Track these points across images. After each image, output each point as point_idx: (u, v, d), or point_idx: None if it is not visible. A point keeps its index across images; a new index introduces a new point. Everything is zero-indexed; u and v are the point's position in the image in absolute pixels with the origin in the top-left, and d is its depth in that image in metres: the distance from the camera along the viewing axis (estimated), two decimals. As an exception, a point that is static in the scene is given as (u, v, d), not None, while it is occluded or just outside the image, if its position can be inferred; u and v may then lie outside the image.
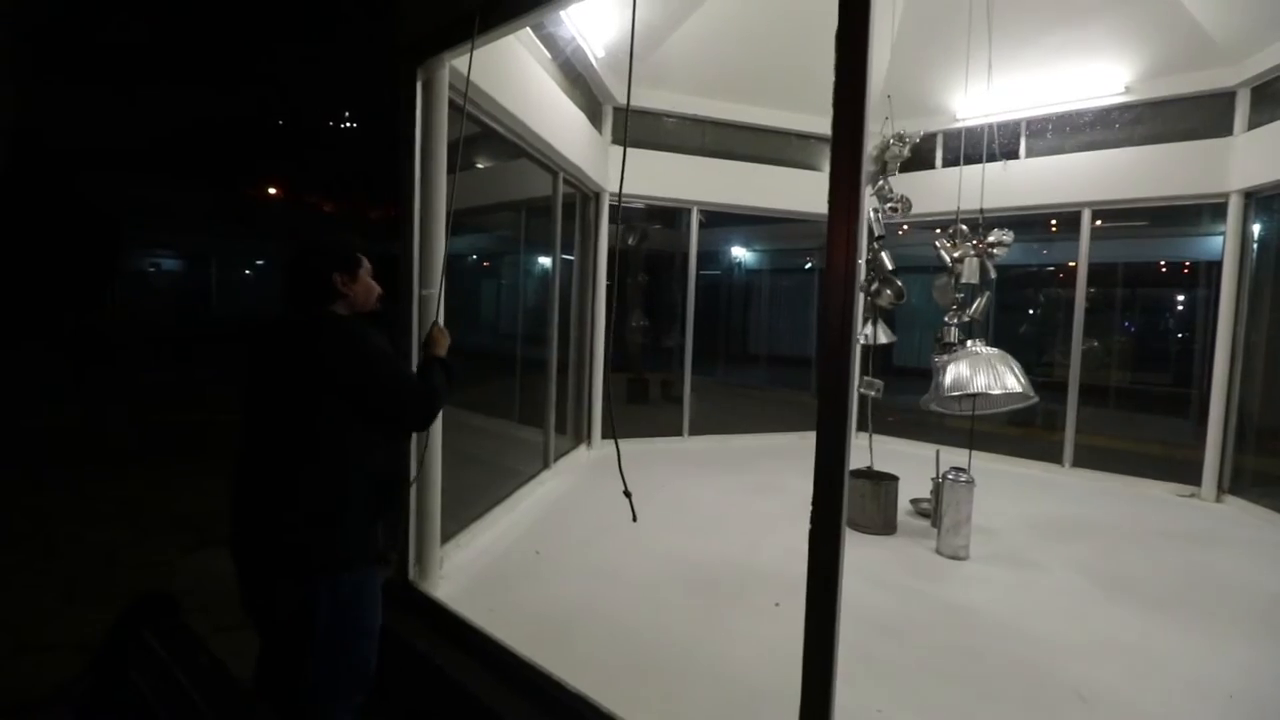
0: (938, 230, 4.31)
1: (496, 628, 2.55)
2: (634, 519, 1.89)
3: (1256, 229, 5.09)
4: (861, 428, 4.78)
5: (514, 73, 3.61)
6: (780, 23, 5.46)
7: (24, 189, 17.28)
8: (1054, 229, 6.95)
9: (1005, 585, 3.41)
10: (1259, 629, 3.01)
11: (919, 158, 4.97)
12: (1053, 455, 5.89)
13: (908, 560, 3.70)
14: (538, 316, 5.20)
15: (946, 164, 6.37)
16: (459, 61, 2.66)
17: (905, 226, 4.51)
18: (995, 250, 4.10)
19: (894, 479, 4.19)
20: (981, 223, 4.20)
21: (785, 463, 5.64)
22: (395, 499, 1.92)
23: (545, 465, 4.96)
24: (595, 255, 5.90)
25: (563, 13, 4.07)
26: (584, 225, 5.83)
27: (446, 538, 3.19)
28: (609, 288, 5.97)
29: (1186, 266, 9.13)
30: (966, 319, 4.17)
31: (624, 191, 5.83)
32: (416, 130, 2.78)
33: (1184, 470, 5.29)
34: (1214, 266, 5.32)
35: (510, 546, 3.62)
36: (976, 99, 5.68)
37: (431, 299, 2.68)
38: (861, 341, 4.39)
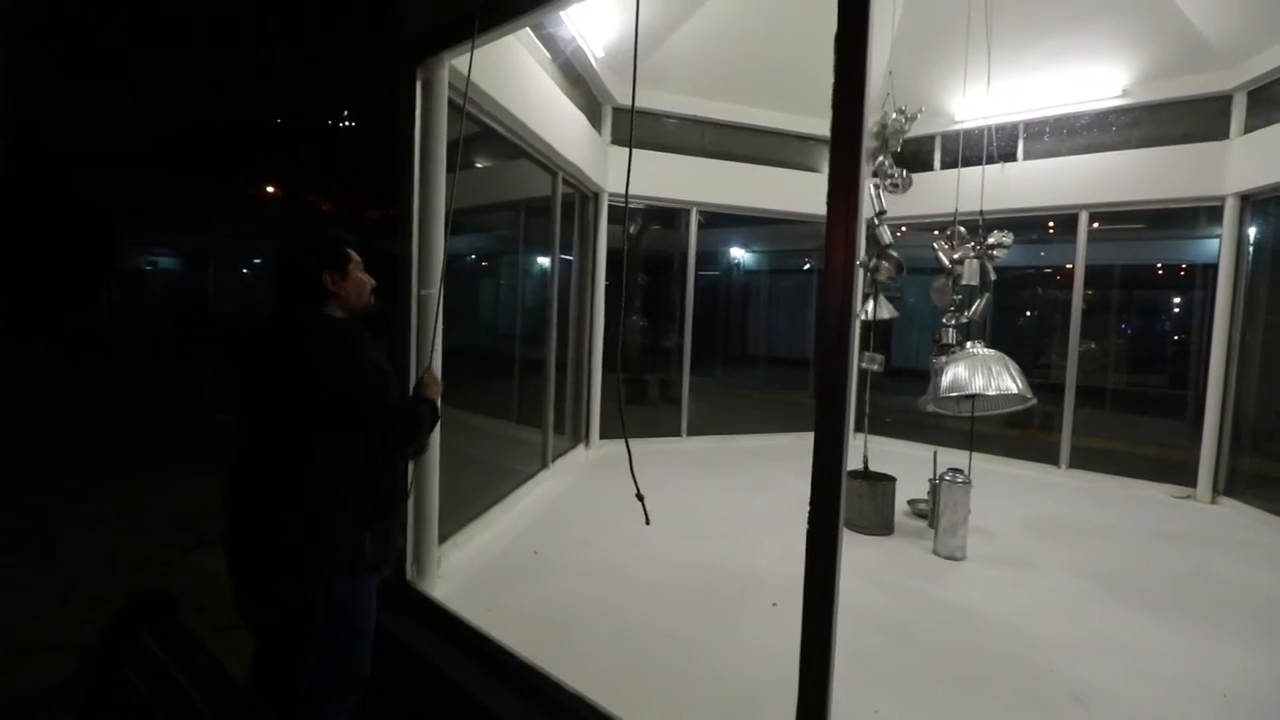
0: (936, 232, 4.33)
1: (494, 627, 2.55)
2: (647, 522, 1.87)
3: (1252, 232, 5.12)
4: (857, 429, 4.79)
5: (514, 73, 3.62)
6: (780, 24, 5.47)
7: (22, 187, 17.24)
8: (1051, 231, 6.97)
9: (1002, 586, 3.42)
10: (1254, 629, 3.03)
11: (917, 159, 4.99)
12: (1049, 456, 5.91)
13: (905, 561, 3.71)
14: (536, 316, 5.20)
15: (945, 166, 6.39)
16: (459, 61, 2.67)
17: (904, 229, 4.51)
18: (995, 252, 4.12)
19: (891, 480, 4.20)
20: (981, 224, 4.21)
21: (783, 463, 5.65)
22: (387, 508, 1.85)
23: (543, 465, 4.96)
24: (594, 255, 5.90)
25: (562, 13, 4.07)
26: (583, 225, 5.83)
27: (444, 537, 3.19)
28: (608, 288, 5.99)
29: (1183, 269, 9.16)
30: (965, 320, 4.18)
31: (623, 192, 5.85)
32: (416, 130, 2.78)
33: (1180, 472, 5.31)
34: (1210, 269, 5.34)
35: (508, 546, 3.62)
36: (975, 101, 5.69)
37: (430, 299, 2.68)
38: (862, 318, 4.42)
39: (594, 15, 4.52)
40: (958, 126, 6.15)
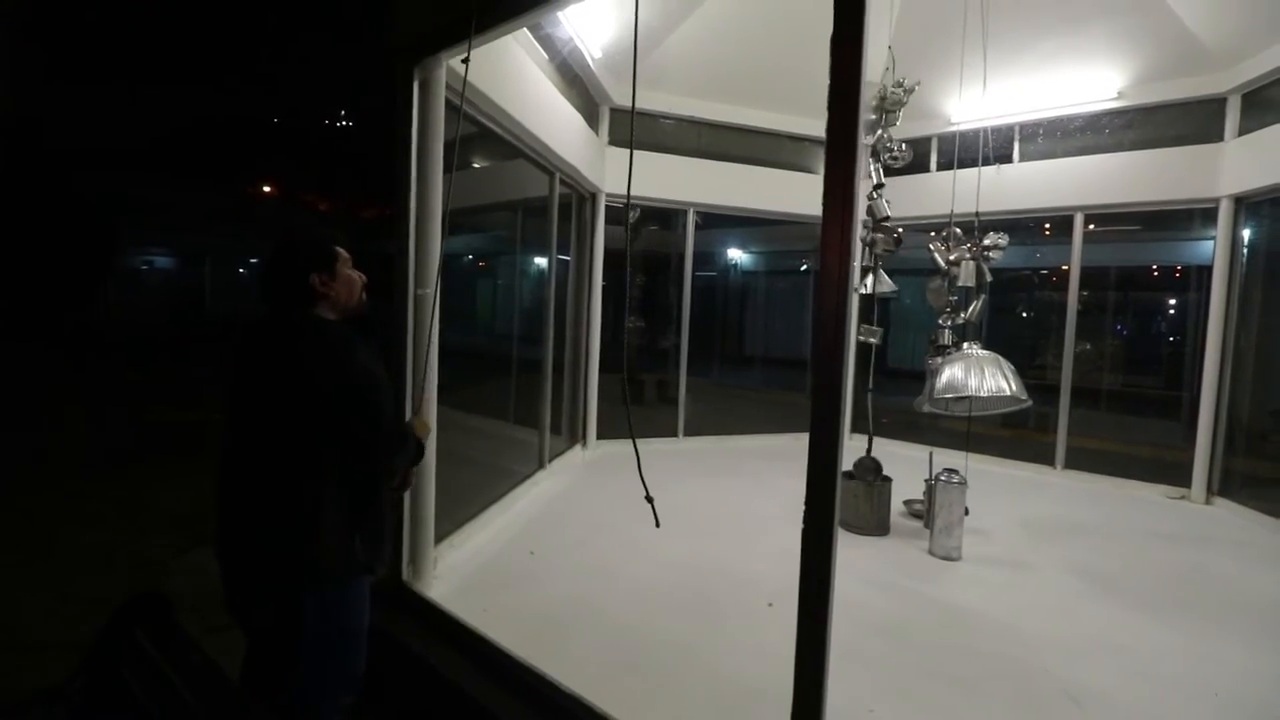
0: (932, 234, 4.34)
1: (490, 628, 2.55)
2: (657, 524, 1.86)
3: (1246, 234, 5.14)
4: (859, 429, 4.80)
5: (511, 73, 3.62)
6: (777, 25, 5.48)
7: (18, 187, 17.18)
8: (1047, 233, 6.99)
9: (997, 586, 3.43)
10: (1247, 629, 3.04)
11: (913, 162, 4.99)
12: (1045, 457, 5.93)
13: (901, 561, 3.72)
14: (533, 317, 5.20)
15: (941, 168, 6.41)
16: (456, 61, 2.67)
17: (901, 230, 4.52)
18: (990, 253, 4.14)
19: (887, 480, 4.21)
20: (977, 226, 4.22)
21: (779, 464, 5.65)
22: (377, 510, 1.83)
23: (540, 465, 4.96)
24: (591, 256, 5.91)
25: (560, 14, 4.08)
26: (580, 226, 5.83)
27: (440, 538, 3.19)
28: (606, 288, 5.99)
29: (1178, 270, 9.19)
30: (961, 321, 4.20)
31: (620, 192, 5.85)
32: (413, 129, 2.78)
33: (1174, 472, 5.34)
34: (1205, 271, 5.37)
35: (504, 547, 3.62)
36: (971, 103, 5.71)
37: (426, 299, 2.68)
38: (862, 291, 4.44)
39: (591, 16, 4.52)
40: (954, 128, 6.17)
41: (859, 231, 4.89)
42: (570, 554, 3.57)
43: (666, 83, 5.85)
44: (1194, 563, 3.89)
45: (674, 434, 6.50)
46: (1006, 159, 6.05)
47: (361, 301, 1.88)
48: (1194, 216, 5.82)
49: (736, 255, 14.22)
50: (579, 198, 5.73)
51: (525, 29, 3.76)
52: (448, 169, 2.86)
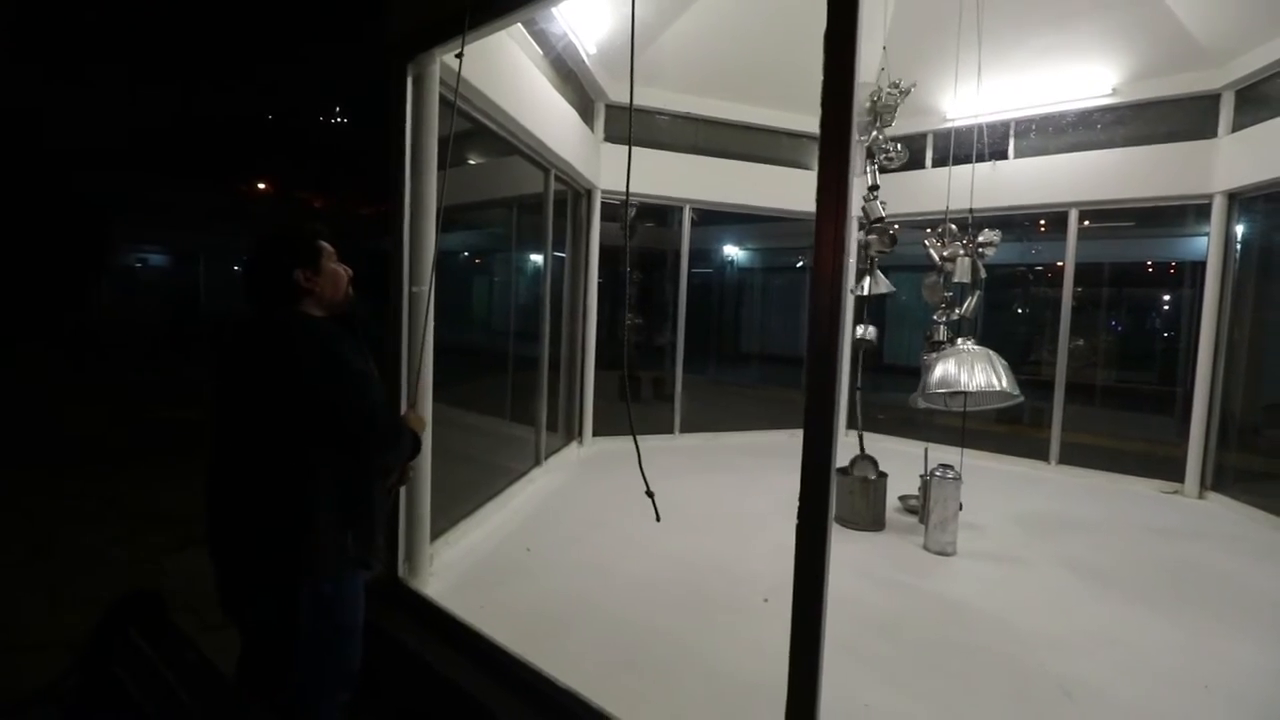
0: (928, 230, 4.35)
1: (486, 624, 2.55)
2: (657, 518, 1.87)
3: (1240, 230, 5.16)
4: (852, 425, 4.81)
5: (506, 69, 3.61)
6: (773, 21, 5.47)
7: (14, 185, 17.07)
8: (1042, 229, 7.01)
9: (992, 580, 3.45)
10: (1240, 623, 3.06)
11: (909, 159, 4.99)
12: (1039, 452, 5.95)
13: (895, 556, 3.74)
14: (529, 314, 5.19)
15: (936, 164, 6.41)
16: (450, 57, 2.66)
17: (896, 226, 4.52)
18: (984, 250, 4.14)
19: (883, 475, 4.22)
20: (971, 222, 4.23)
21: (776, 460, 5.65)
22: (369, 506, 1.81)
23: (536, 463, 4.96)
24: (587, 253, 5.90)
25: (554, 9, 4.06)
26: (575, 223, 5.82)
27: (436, 535, 3.19)
28: (603, 285, 5.98)
29: (1172, 266, 9.23)
30: (957, 317, 4.21)
31: (616, 188, 5.84)
32: (407, 126, 2.77)
33: (1168, 467, 5.37)
34: (1199, 267, 5.39)
35: (501, 544, 3.62)
36: (966, 100, 5.72)
37: (421, 296, 2.68)
38: (858, 293, 4.46)
39: (586, 12, 4.51)
40: (949, 124, 6.17)
41: (853, 228, 4.91)
42: (566, 550, 3.58)
43: (662, 79, 5.84)
44: (1187, 557, 3.91)
45: (670, 430, 6.50)
46: (1002, 155, 6.06)
47: (348, 296, 1.86)
48: (1188, 212, 5.84)
49: (733, 252, 14.22)
50: (574, 194, 5.72)
51: (520, 24, 3.74)
52: (442, 165, 2.84)
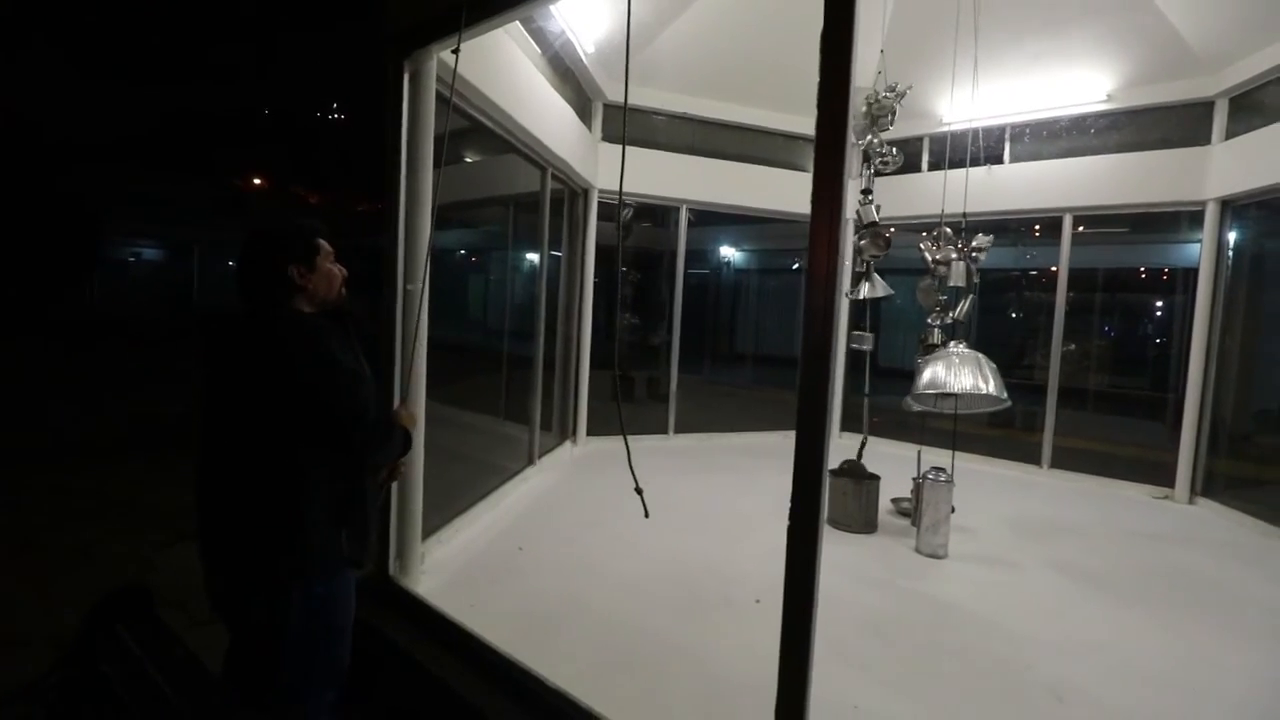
0: (924, 233, 4.36)
1: (477, 624, 2.54)
2: (646, 515, 1.86)
3: (1232, 236, 5.19)
4: (849, 429, 4.83)
5: (502, 66, 3.60)
6: (770, 23, 5.47)
7: (7, 180, 16.97)
8: (1037, 234, 7.03)
9: (983, 583, 3.46)
10: (1228, 627, 3.08)
11: (904, 162, 5.01)
12: (1031, 456, 5.98)
13: (887, 558, 3.74)
14: (525, 312, 5.18)
15: (931, 168, 6.43)
16: (447, 54, 2.65)
17: (892, 229, 4.54)
18: (976, 254, 4.16)
19: (875, 478, 4.23)
20: (964, 226, 4.25)
21: (770, 461, 5.65)
22: (361, 504, 1.79)
23: (530, 462, 4.95)
24: (583, 252, 5.89)
25: (552, 7, 4.05)
26: (572, 221, 5.81)
27: (428, 533, 3.17)
28: (598, 285, 5.98)
29: (1165, 273, 9.28)
30: (951, 321, 4.22)
31: (613, 188, 5.83)
32: (403, 122, 2.76)
33: (1158, 472, 5.39)
34: (1191, 273, 5.42)
35: (493, 543, 3.61)
36: (962, 104, 5.73)
37: (415, 293, 2.67)
38: (853, 297, 4.48)
39: (584, 10, 4.50)
40: (945, 128, 6.19)
41: (848, 231, 4.92)
42: (558, 550, 3.57)
43: (659, 79, 5.83)
44: (1177, 562, 3.93)
45: (665, 431, 6.50)
46: (998, 160, 6.08)
47: (341, 296, 1.84)
48: (1181, 219, 5.88)
49: (729, 253, 14.24)
50: (571, 193, 5.72)
51: (518, 22, 3.73)
52: (438, 163, 2.84)
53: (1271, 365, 5.34)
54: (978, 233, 4.25)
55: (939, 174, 5.42)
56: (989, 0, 4.50)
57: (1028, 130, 5.96)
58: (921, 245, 4.29)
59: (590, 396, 6.01)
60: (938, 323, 4.25)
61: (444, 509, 3.56)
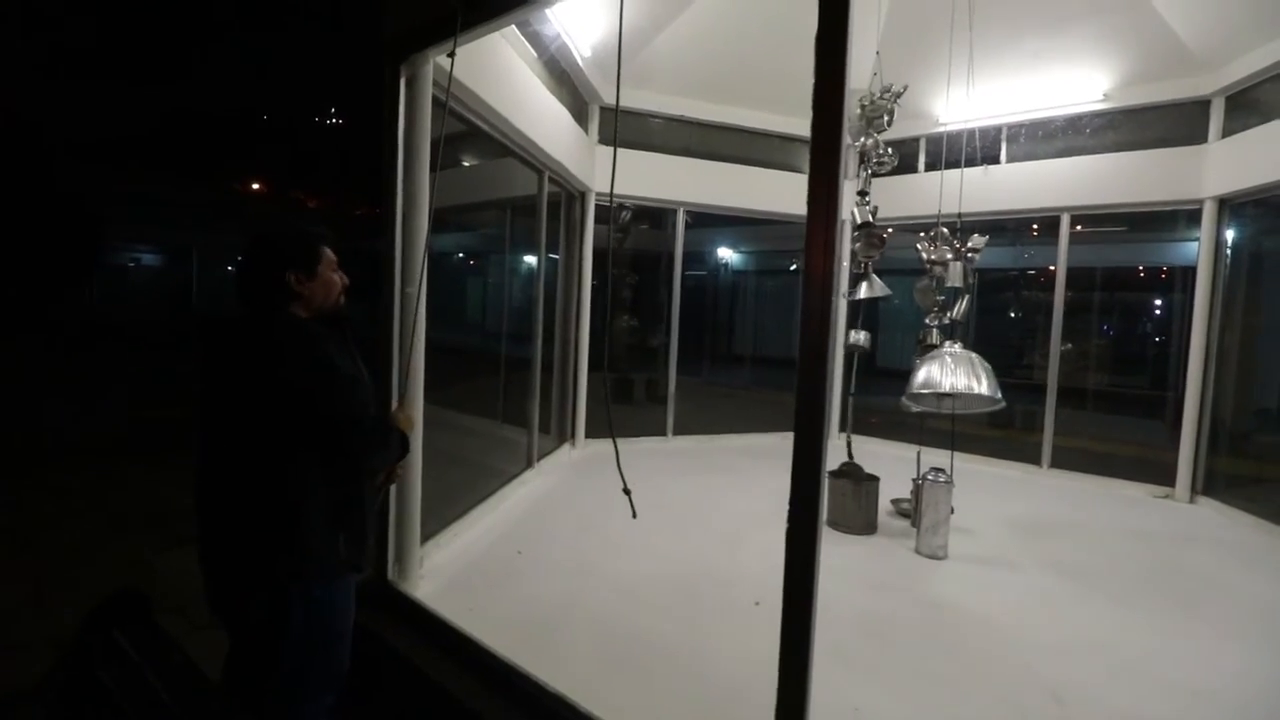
0: (922, 234, 4.36)
1: (476, 628, 2.53)
2: (634, 515, 1.86)
3: (1230, 235, 5.20)
4: (843, 428, 4.83)
5: (499, 70, 3.60)
6: (766, 25, 5.48)
7: (7, 182, 16.97)
8: (1034, 233, 7.04)
9: (983, 584, 3.45)
10: (1229, 627, 3.07)
11: (901, 162, 5.01)
12: (1031, 456, 5.97)
13: (887, 559, 3.74)
14: (522, 315, 5.18)
15: (928, 168, 6.44)
16: (443, 58, 2.65)
17: (890, 230, 4.54)
18: (971, 254, 4.17)
19: (875, 479, 4.22)
20: (959, 227, 4.25)
21: (768, 462, 5.66)
22: (359, 508, 1.79)
23: (528, 465, 4.94)
24: (580, 255, 5.89)
25: (548, 11, 4.06)
26: (569, 225, 5.81)
27: (426, 537, 3.17)
28: (594, 287, 5.98)
29: (1163, 271, 9.29)
30: (948, 321, 4.22)
31: (610, 191, 5.83)
32: (400, 126, 2.76)
33: (1159, 472, 5.39)
34: (1189, 271, 5.42)
35: (491, 546, 3.61)
36: (958, 104, 5.74)
37: (412, 296, 2.66)
38: (853, 298, 4.49)
39: (580, 14, 4.51)
40: (941, 129, 6.19)
41: (845, 232, 4.93)
42: (557, 553, 3.56)
43: (656, 82, 5.84)
44: (1177, 561, 3.93)
45: (663, 433, 6.50)
46: (994, 160, 6.09)
47: (339, 303, 1.85)
48: (1179, 218, 5.88)
49: (726, 255, 14.24)
50: (568, 196, 5.72)
51: (514, 26, 3.73)
52: (434, 166, 2.84)
53: (1271, 363, 5.35)
54: (973, 233, 4.25)
55: (935, 174, 5.43)
56: (984, 0, 4.51)
57: (1024, 130, 5.96)
58: (918, 245, 4.29)
59: (589, 399, 6.01)
60: (936, 323, 4.25)
61: (442, 513, 3.55)
